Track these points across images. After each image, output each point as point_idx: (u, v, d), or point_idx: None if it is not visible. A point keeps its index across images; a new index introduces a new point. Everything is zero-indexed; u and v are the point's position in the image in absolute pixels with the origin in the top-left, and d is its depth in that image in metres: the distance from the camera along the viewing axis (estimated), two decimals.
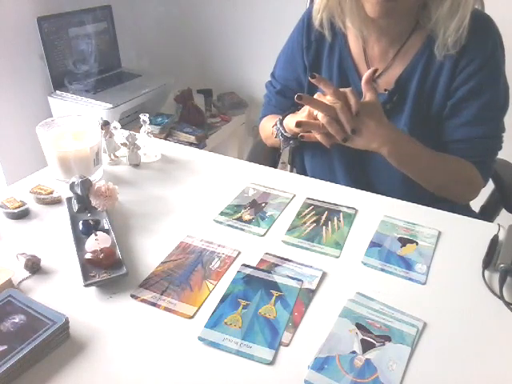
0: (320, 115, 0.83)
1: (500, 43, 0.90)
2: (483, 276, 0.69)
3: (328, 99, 0.83)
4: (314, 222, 0.81)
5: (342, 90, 0.83)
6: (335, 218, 0.82)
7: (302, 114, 0.89)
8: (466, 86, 0.89)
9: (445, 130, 0.94)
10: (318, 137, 0.86)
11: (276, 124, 0.98)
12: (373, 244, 0.76)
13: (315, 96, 0.86)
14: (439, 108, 0.92)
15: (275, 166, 1.16)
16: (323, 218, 0.82)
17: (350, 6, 0.88)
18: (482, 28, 0.88)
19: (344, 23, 0.95)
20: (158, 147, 1.02)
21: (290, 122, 0.92)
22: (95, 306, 0.63)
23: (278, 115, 1.05)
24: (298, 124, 0.85)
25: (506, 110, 0.93)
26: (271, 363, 0.56)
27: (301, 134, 0.89)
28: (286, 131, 0.95)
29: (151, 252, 0.73)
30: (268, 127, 1.06)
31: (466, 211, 0.96)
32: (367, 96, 0.86)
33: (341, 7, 0.91)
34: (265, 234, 0.78)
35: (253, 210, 0.84)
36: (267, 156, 1.16)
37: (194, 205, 0.85)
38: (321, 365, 0.55)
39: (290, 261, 0.72)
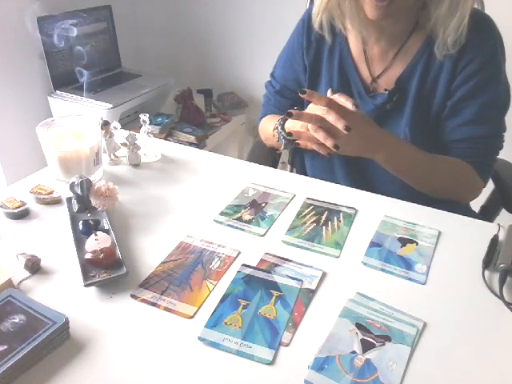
0: (309, 126, 0.83)
1: (500, 43, 0.90)
2: (483, 276, 0.69)
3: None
4: (314, 222, 0.81)
5: (331, 97, 0.82)
6: (335, 218, 0.82)
7: (295, 125, 0.89)
8: (466, 86, 0.89)
9: (445, 129, 0.94)
10: (315, 147, 0.86)
11: (277, 127, 0.97)
12: (373, 244, 0.76)
13: (307, 109, 0.86)
14: (439, 108, 0.92)
15: (275, 166, 1.16)
16: (323, 217, 0.82)
17: (350, 8, 0.88)
18: (482, 28, 0.88)
19: (344, 25, 0.95)
20: (158, 147, 1.02)
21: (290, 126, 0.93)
22: (95, 306, 0.63)
23: (277, 115, 1.05)
24: (289, 133, 0.87)
25: (506, 110, 0.93)
26: (271, 363, 0.56)
27: (296, 141, 0.90)
28: (287, 135, 0.95)
29: (151, 252, 0.73)
30: (268, 128, 1.06)
31: (466, 211, 0.96)
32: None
33: (340, 9, 0.91)
34: (265, 234, 0.78)
35: (253, 210, 0.84)
36: (267, 156, 1.16)
37: (194, 205, 0.85)
38: (321, 365, 0.55)
39: (290, 261, 0.72)
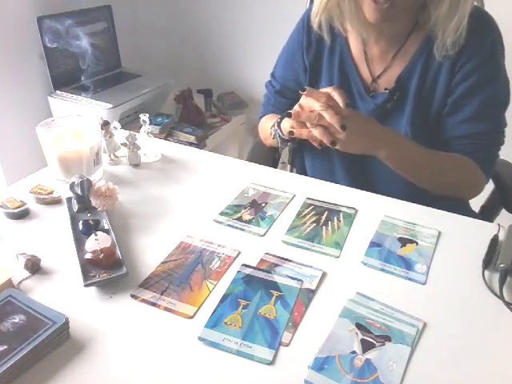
0: (308, 123, 0.84)
1: (499, 40, 0.90)
2: (483, 276, 0.69)
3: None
4: (314, 222, 0.81)
5: (325, 91, 0.83)
6: (335, 218, 0.82)
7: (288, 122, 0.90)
8: (466, 83, 0.89)
9: (446, 126, 0.94)
10: (310, 139, 0.87)
11: (274, 126, 0.98)
12: (373, 244, 0.76)
13: (301, 100, 0.86)
14: (440, 106, 0.93)
15: (275, 166, 1.16)
16: (323, 218, 0.82)
17: (349, 9, 0.88)
18: (481, 27, 0.88)
19: (343, 25, 0.95)
20: (158, 147, 1.02)
21: (286, 125, 0.93)
22: (95, 306, 0.63)
23: (276, 115, 1.05)
24: (290, 132, 0.88)
25: (506, 106, 0.93)
26: (271, 363, 0.56)
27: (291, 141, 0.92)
28: (283, 134, 0.95)
29: (151, 252, 0.73)
30: (267, 128, 1.06)
31: (466, 211, 0.96)
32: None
33: (340, 9, 0.91)
34: (265, 234, 0.78)
35: (253, 210, 0.84)
36: (267, 156, 1.16)
37: (193, 205, 0.85)
38: (321, 365, 0.55)
39: (290, 261, 0.72)
